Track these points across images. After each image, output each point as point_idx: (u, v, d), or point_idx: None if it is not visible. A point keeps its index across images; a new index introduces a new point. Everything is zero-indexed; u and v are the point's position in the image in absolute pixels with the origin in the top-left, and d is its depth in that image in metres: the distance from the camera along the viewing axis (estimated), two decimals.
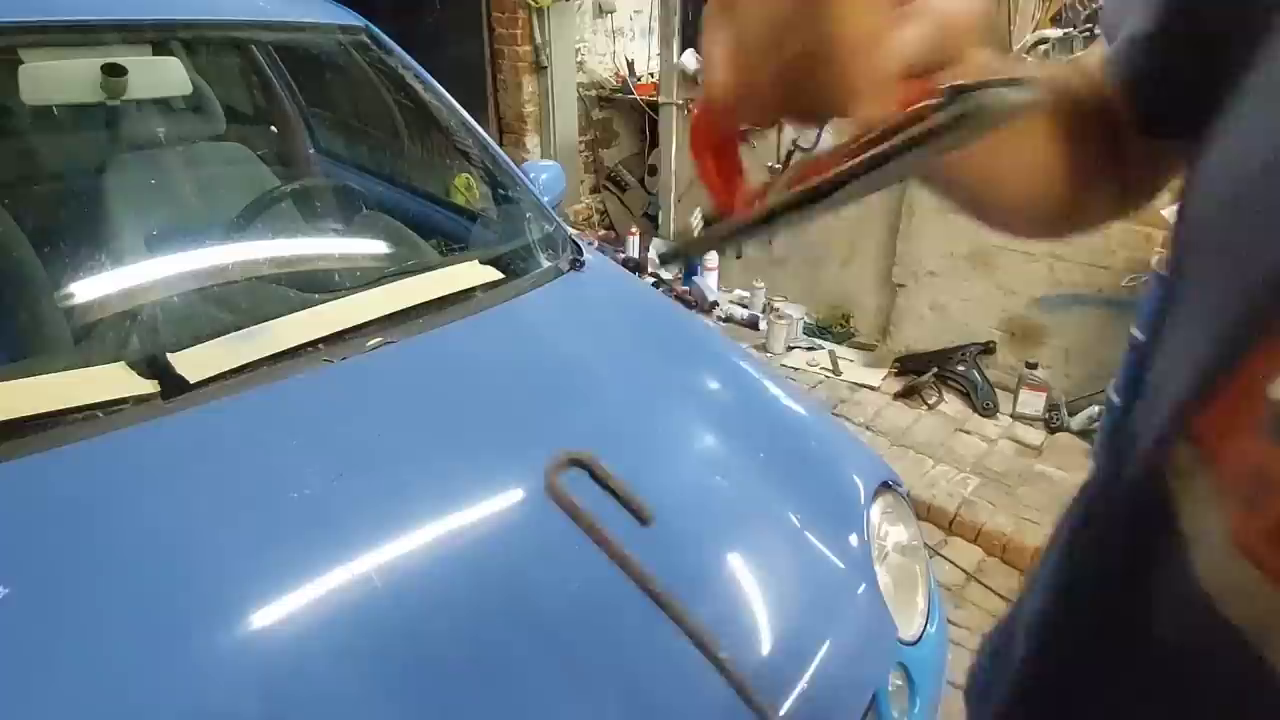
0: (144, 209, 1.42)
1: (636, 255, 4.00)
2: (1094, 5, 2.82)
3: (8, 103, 1.33)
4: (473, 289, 1.41)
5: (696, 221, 2.93)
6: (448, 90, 1.84)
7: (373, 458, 1.05)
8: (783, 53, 0.28)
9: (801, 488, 1.25)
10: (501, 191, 1.76)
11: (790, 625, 1.05)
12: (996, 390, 2.93)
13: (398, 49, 1.82)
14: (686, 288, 3.75)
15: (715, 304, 3.64)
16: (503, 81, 4.26)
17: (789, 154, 3.41)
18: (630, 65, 4.52)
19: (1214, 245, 0.35)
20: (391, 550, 0.93)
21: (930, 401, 2.96)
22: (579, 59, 4.40)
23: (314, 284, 1.36)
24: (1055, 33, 2.77)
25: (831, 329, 3.47)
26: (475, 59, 4.22)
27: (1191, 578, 0.34)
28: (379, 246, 1.62)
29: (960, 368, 3.00)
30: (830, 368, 3.19)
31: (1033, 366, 2.84)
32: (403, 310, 1.29)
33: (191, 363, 1.08)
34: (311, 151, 2.16)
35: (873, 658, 1.11)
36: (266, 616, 0.84)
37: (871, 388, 3.07)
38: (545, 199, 1.78)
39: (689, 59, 3.51)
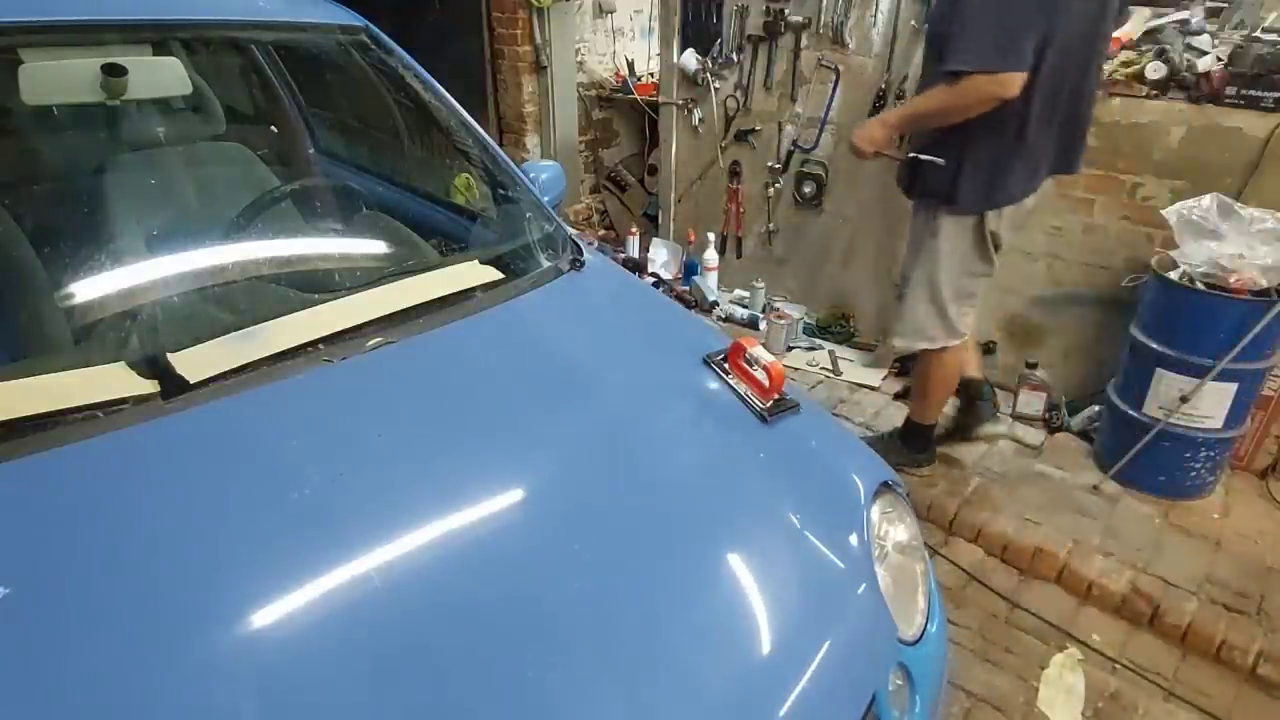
0: (144, 209, 1.42)
1: (636, 255, 4.00)
2: None
3: (8, 103, 1.33)
4: (473, 289, 1.40)
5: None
6: (448, 90, 1.84)
7: (373, 458, 1.05)
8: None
9: (801, 488, 1.25)
10: (501, 191, 1.76)
11: (790, 625, 1.05)
12: (996, 390, 2.93)
13: (398, 49, 1.82)
14: (686, 288, 3.75)
15: (715, 304, 3.64)
16: (503, 81, 4.26)
17: (789, 153, 3.41)
18: (630, 65, 4.52)
19: None
20: (391, 550, 0.93)
21: None
22: (579, 59, 4.40)
23: (314, 284, 1.35)
24: None
25: (831, 329, 3.47)
26: (475, 59, 4.22)
27: None
28: (379, 246, 1.62)
29: None
30: (830, 368, 3.19)
31: (1033, 366, 2.84)
32: (403, 310, 1.29)
33: (191, 363, 1.08)
34: (311, 151, 2.16)
35: (873, 658, 1.11)
36: (266, 616, 0.84)
37: (871, 388, 3.07)
38: (545, 199, 1.78)
39: (689, 59, 3.51)
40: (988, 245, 2.08)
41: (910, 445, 2.52)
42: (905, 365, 3.13)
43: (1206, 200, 2.15)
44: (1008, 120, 1.88)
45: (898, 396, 2.99)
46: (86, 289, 1.21)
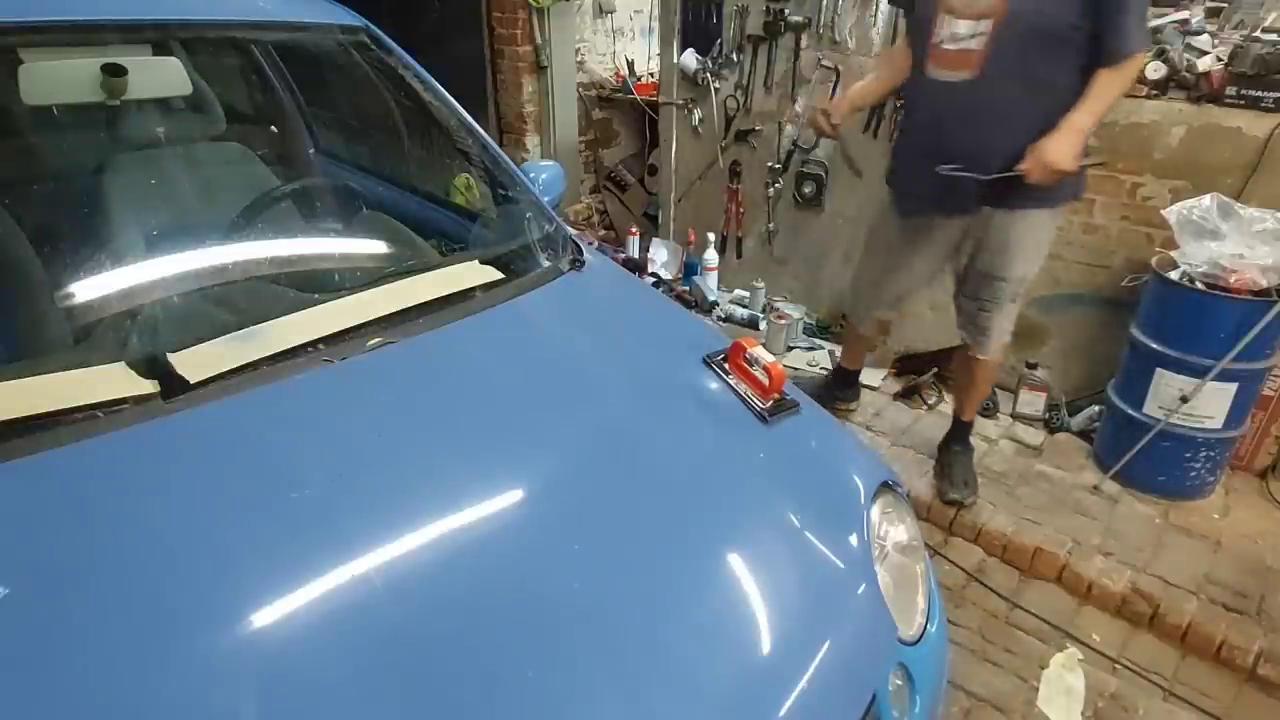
0: (144, 209, 1.42)
1: (636, 255, 4.00)
2: None
3: (8, 103, 1.33)
4: (473, 289, 1.40)
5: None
6: (448, 90, 1.84)
7: (372, 458, 1.05)
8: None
9: (801, 488, 1.25)
10: (501, 191, 1.76)
11: (790, 625, 1.05)
12: (996, 390, 2.93)
13: (398, 49, 1.82)
14: (686, 288, 3.75)
15: (715, 304, 3.64)
16: (503, 81, 4.25)
17: (789, 153, 3.41)
18: (630, 65, 4.52)
19: None
20: (391, 550, 0.93)
21: (930, 401, 2.96)
22: (579, 59, 4.40)
23: (314, 284, 1.35)
24: None
25: (831, 329, 3.47)
26: (475, 59, 4.21)
27: None
28: (379, 246, 1.62)
29: None
30: (830, 368, 3.18)
31: (1033, 366, 2.84)
32: (403, 310, 1.29)
33: (191, 363, 1.08)
34: (311, 151, 2.16)
35: (873, 658, 1.11)
36: (266, 616, 0.84)
37: (871, 388, 3.07)
38: (545, 199, 1.78)
39: (689, 59, 3.50)
40: None
41: (966, 444, 2.50)
42: (904, 365, 3.14)
43: (1206, 200, 2.15)
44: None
45: (898, 396, 2.99)
46: (86, 289, 1.21)
